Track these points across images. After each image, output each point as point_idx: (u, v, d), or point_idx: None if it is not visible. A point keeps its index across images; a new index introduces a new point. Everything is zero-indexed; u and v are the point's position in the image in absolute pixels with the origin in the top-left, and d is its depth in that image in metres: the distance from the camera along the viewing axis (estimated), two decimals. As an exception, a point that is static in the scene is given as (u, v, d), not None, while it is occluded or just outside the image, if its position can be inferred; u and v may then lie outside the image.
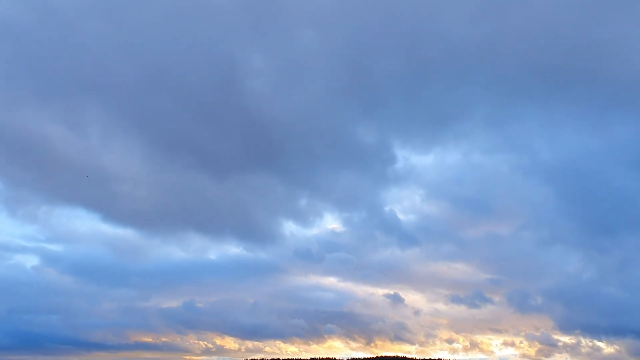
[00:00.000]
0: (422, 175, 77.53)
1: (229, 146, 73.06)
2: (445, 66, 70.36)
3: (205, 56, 66.87)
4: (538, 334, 70.14)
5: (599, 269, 68.31)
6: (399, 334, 72.11)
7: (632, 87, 67.25)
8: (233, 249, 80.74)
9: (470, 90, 72.60)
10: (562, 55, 67.52)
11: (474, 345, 72.61)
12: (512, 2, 65.43)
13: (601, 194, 67.51)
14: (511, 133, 74.48)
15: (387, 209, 78.13)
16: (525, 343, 70.92)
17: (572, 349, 68.63)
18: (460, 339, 73.41)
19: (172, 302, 76.17)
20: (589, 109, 70.89)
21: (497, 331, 73.19)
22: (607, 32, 66.23)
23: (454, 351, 72.85)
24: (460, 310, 73.86)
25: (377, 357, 71.82)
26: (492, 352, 72.88)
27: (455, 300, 74.15)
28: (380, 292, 76.28)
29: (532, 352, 70.24)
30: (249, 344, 75.49)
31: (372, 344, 73.33)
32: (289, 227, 78.59)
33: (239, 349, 76.21)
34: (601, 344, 67.55)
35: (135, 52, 65.41)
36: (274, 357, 72.06)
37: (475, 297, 73.10)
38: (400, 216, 77.37)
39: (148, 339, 76.68)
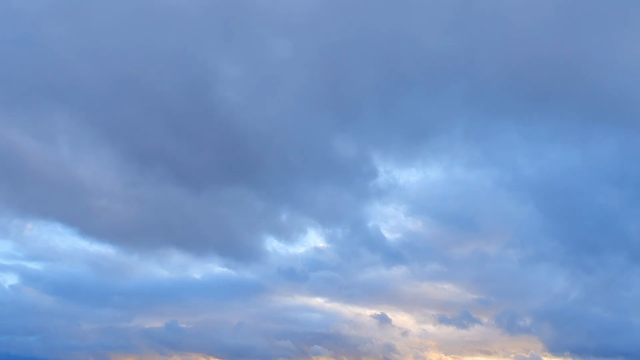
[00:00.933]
0: (404, 189, 75.01)
1: (203, 158, 70.51)
2: (421, 78, 68.23)
3: (176, 64, 64.64)
4: (528, 355, 67.42)
5: (585, 288, 65.95)
6: (387, 356, 69.32)
7: (612, 103, 65.54)
8: (216, 268, 77.96)
9: (448, 103, 70.41)
10: (540, 69, 65.64)
11: (463, 368, 70.09)
12: (490, 15, 63.58)
13: (584, 211, 65.91)
14: (492, 147, 72.19)
15: (370, 224, 75.32)
16: (515, 365, 68.25)
17: (561, 371, 65.98)
18: (450, 360, 70.87)
19: (155, 323, 73.24)
20: (570, 125, 68.89)
21: (487, 353, 70.42)
22: (588, 47, 64.71)
23: (444, 373, 70.27)
24: (449, 331, 71.10)
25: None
26: (482, 374, 70.31)
27: (443, 320, 71.38)
28: (367, 312, 73.41)
29: (522, 374, 67.55)
30: (235, 365, 72.72)
31: (360, 366, 70.66)
32: (272, 244, 75.73)
33: (225, 371, 73.26)
34: (591, 366, 64.66)
35: (103, 58, 63.05)
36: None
37: (463, 317, 70.53)
38: (384, 232, 74.81)
39: (131, 360, 74.01)
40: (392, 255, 75.37)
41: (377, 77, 68.29)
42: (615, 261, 64.27)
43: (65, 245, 77.25)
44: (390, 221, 77.65)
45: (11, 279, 75.74)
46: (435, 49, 65.59)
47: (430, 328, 70.51)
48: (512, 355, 66.74)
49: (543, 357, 64.90)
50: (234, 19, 64.49)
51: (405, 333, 69.40)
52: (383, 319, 70.63)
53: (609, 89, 65.32)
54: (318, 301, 75.44)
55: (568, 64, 65.48)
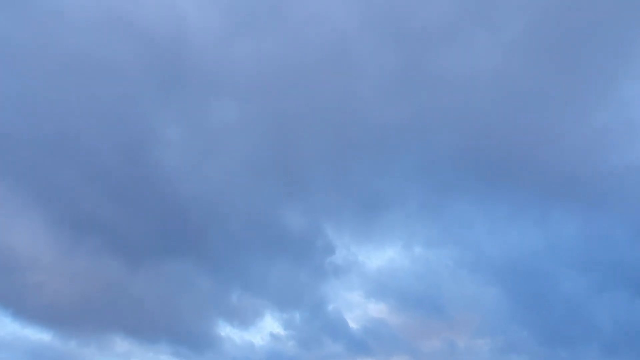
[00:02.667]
0: (363, 267, 69.80)
1: (142, 227, 64.97)
2: (371, 149, 64.87)
3: (112, 124, 60.55)
4: None
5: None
6: None
7: (571, 181, 62.78)
8: (168, 359, 69.64)
9: (400, 176, 66.70)
10: (494, 144, 62.74)
11: None
12: (439, 87, 61.27)
13: (551, 297, 62.20)
14: (450, 224, 67.97)
15: (330, 307, 68.95)
16: None
17: None
18: None
19: None
20: (529, 203, 65.57)
21: None
22: (544, 123, 62.66)
23: None
24: None
25: None
26: None
27: None
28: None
29: None
30: None
31: None
32: (225, 329, 68.53)
33: None
34: None
35: (34, 115, 59.12)
36: None
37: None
38: (346, 317, 68.46)
39: None
40: (356, 344, 69.08)
41: (325, 146, 64.74)
42: (588, 354, 59.02)
43: (2, 331, 70.09)
44: (352, 304, 71.86)
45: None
46: (384, 119, 62.67)
47: None
48: None
49: None
50: (175, 77, 61.23)
51: None
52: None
53: (567, 167, 62.82)
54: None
55: (523, 140, 63.24)
